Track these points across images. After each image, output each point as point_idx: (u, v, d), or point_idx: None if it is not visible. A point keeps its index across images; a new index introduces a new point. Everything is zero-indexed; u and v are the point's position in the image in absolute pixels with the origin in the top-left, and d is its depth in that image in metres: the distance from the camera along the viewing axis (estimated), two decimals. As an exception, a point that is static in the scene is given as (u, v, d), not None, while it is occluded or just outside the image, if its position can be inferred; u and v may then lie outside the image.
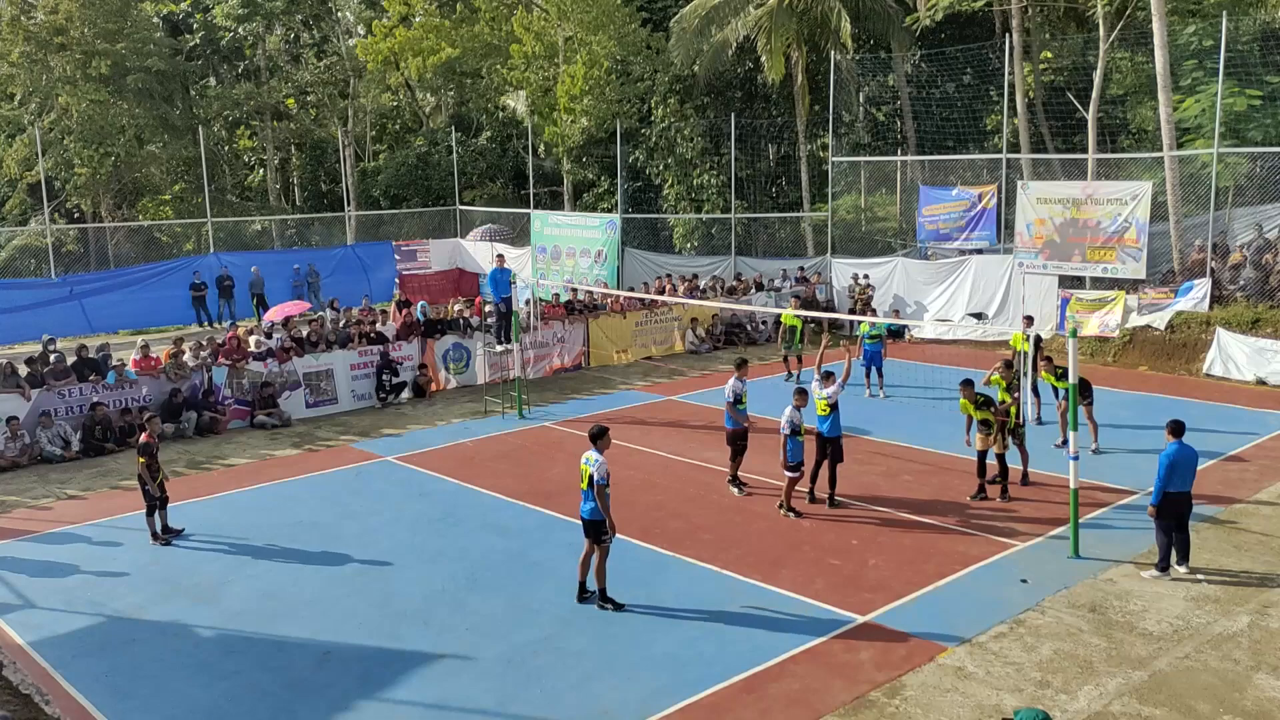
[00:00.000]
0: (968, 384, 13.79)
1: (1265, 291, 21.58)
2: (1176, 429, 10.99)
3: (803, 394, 13.30)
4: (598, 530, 10.45)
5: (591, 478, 10.35)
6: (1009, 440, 13.65)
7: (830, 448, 13.47)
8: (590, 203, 35.88)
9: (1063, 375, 14.81)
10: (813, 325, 25.88)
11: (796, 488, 13.36)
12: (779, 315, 22.52)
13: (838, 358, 15.60)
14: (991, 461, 13.63)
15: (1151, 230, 22.78)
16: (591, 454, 10.49)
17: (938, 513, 13.23)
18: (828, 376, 13.68)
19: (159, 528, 13.01)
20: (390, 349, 20.66)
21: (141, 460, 12.88)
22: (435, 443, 17.40)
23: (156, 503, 12.96)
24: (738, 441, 14.16)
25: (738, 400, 14.01)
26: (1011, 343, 18.70)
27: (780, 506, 13.34)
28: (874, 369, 19.69)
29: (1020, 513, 13.15)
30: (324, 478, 15.62)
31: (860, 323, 19.98)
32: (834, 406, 13.39)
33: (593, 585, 10.67)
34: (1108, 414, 17.23)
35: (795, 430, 12.96)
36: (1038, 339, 17.68)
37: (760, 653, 9.57)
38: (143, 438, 13.04)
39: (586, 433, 10.79)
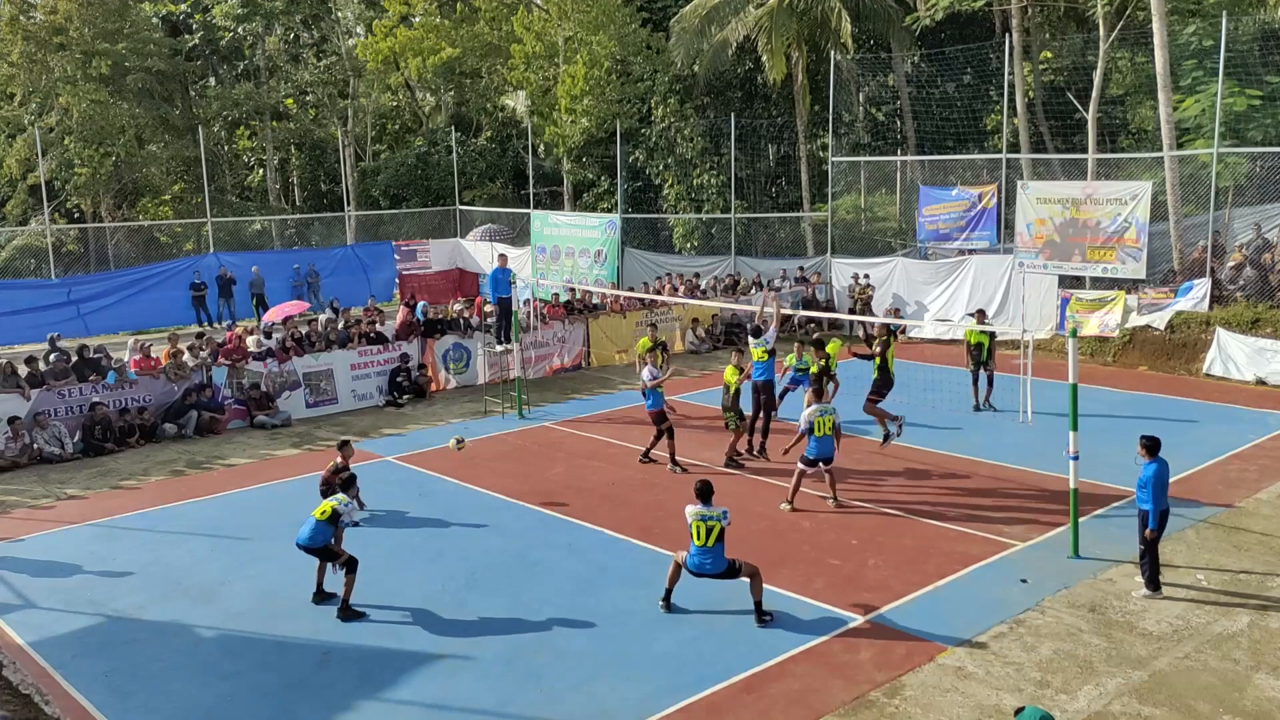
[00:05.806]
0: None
1: (1265, 291, 21.59)
2: (1153, 446, 10.56)
3: (819, 392, 13.86)
4: (734, 569, 10.24)
5: (719, 531, 10.08)
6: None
7: (764, 395, 15.26)
8: (590, 203, 35.85)
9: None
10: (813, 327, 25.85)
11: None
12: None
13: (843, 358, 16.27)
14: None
15: (1151, 230, 22.78)
16: (698, 508, 10.14)
17: (938, 513, 13.24)
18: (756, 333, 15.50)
19: None
20: (403, 352, 20.81)
21: None
22: (435, 443, 17.40)
23: None
24: (658, 423, 15.36)
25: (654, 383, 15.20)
26: (965, 336, 18.77)
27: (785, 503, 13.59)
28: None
29: (1020, 513, 13.16)
30: (324, 478, 15.61)
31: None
32: (771, 353, 14.97)
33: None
34: (1108, 413, 17.26)
35: (811, 429, 13.22)
36: (992, 334, 18.37)
37: (760, 653, 9.58)
38: None
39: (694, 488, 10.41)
